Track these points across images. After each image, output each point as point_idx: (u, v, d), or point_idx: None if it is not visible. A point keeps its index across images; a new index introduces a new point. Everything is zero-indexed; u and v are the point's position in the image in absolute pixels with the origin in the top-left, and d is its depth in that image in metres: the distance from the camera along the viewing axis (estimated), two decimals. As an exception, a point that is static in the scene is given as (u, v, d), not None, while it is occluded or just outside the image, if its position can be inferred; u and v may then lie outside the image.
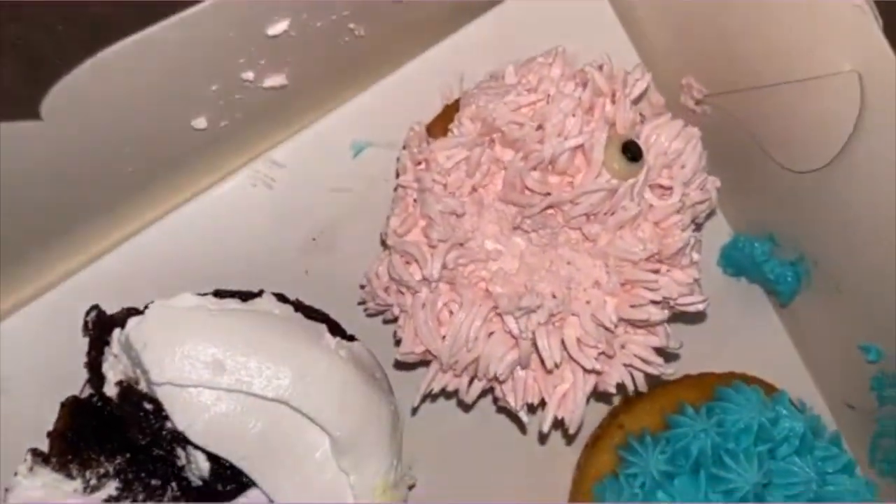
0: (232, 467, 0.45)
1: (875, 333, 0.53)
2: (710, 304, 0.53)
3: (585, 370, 0.46)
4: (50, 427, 0.47)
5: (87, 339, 0.47)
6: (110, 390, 0.44)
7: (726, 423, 0.51)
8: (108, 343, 0.45)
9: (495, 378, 0.46)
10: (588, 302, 0.46)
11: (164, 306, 0.43)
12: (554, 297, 0.45)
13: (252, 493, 0.45)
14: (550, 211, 0.45)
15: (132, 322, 0.44)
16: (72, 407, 0.47)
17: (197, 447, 0.44)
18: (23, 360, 0.49)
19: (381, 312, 0.50)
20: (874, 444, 0.58)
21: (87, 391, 0.48)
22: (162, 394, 0.42)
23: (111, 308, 0.47)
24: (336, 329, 0.49)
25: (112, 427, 0.46)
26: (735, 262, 0.59)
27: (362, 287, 0.50)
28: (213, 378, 0.42)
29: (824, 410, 0.59)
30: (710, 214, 0.51)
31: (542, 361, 0.46)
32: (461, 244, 0.45)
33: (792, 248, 0.56)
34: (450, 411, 0.52)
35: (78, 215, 0.46)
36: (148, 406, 0.43)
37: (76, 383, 0.48)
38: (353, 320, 0.50)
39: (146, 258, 0.50)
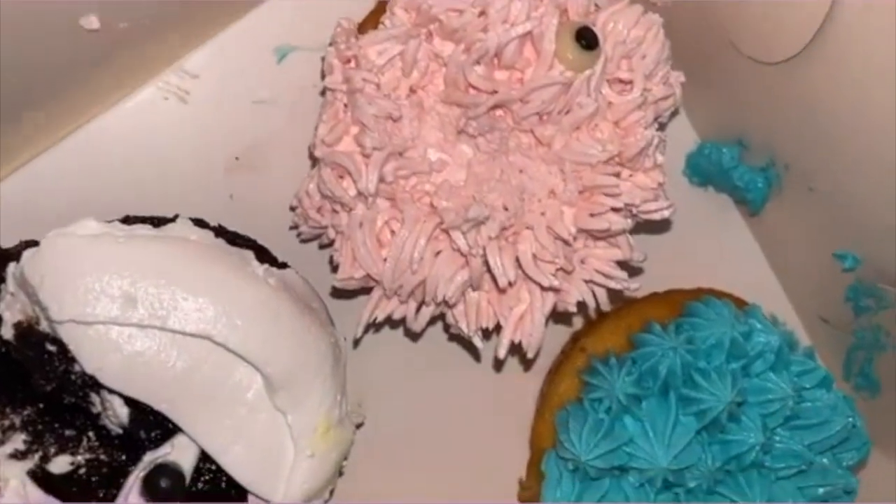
0: (154, 413, 0.40)
1: (851, 239, 0.50)
2: (675, 213, 0.50)
3: (543, 288, 0.42)
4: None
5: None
6: (7, 332, 0.39)
7: (696, 339, 0.48)
8: (2, 280, 0.40)
9: (445, 302, 0.42)
10: (543, 213, 0.41)
11: (62, 234, 0.38)
12: (506, 209, 0.41)
13: (179, 440, 0.40)
14: (499, 112, 0.40)
15: (27, 254, 0.38)
16: (-29, 354, 0.42)
17: (112, 391, 0.39)
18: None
19: (317, 237, 0.45)
20: (849, 358, 0.55)
21: (-11, 337, 0.42)
22: (65, 333, 0.37)
23: (8, 242, 0.41)
24: (264, 255, 0.44)
25: (17, 375, 0.41)
26: (702, 170, 0.55)
27: (293, 209, 0.45)
28: (123, 313, 0.37)
29: (798, 326, 0.57)
30: (674, 114, 0.47)
31: (496, 281, 0.41)
32: (400, 153, 0.40)
33: (762, 151, 0.52)
34: (397, 342, 0.48)
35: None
36: (51, 348, 0.38)
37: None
38: (286, 247, 0.45)
39: (46, 185, 0.45)
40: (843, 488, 0.50)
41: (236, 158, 0.47)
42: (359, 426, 0.46)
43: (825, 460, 0.50)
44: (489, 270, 0.41)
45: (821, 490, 0.50)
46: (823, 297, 0.55)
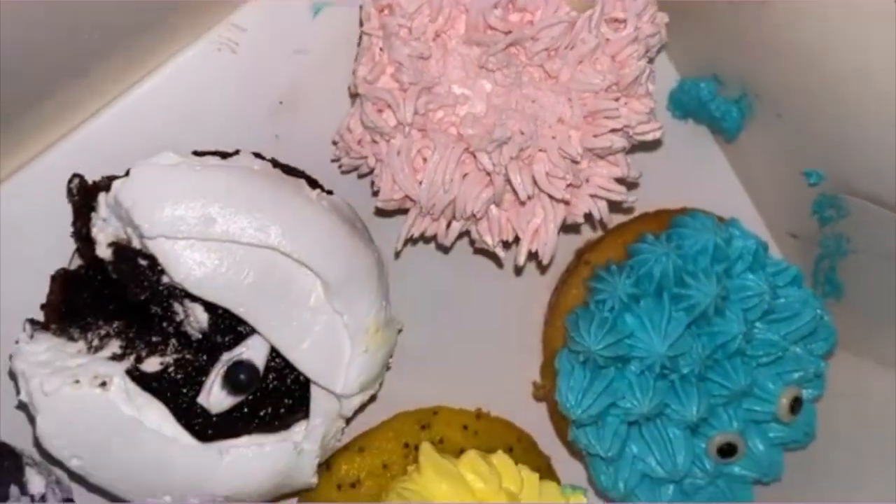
0: (230, 318, 0.46)
1: (815, 157, 0.57)
2: (661, 145, 0.57)
3: (556, 200, 0.49)
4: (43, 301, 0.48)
5: (70, 215, 0.48)
6: (103, 252, 0.45)
7: (685, 245, 0.55)
8: (93, 209, 0.46)
9: (472, 216, 0.49)
10: (554, 137, 0.48)
11: (148, 164, 0.44)
12: (522, 133, 0.47)
13: (251, 342, 0.47)
14: (513, 49, 0.47)
15: (118, 182, 0.44)
16: (63, 279, 0.48)
17: (195, 299, 0.46)
18: (7, 237, 0.49)
19: (356, 168, 0.52)
20: (817, 268, 0.62)
21: (76, 263, 0.49)
22: (155, 248, 0.44)
23: (90, 178, 0.48)
24: (313, 184, 0.50)
25: (105, 295, 0.47)
26: (683, 104, 0.62)
27: (335, 143, 0.51)
28: (205, 230, 0.44)
29: (770, 242, 0.64)
30: (660, 50, 0.53)
31: (516, 195, 0.48)
32: (429, 89, 0.47)
33: (735, 84, 0.59)
34: (430, 256, 0.55)
35: (46, 89, 0.46)
36: (143, 262, 0.45)
37: (64, 257, 0.49)
38: (327, 179, 0.52)
39: (119, 129, 0.50)
40: (814, 373, 0.58)
41: (280, 102, 0.53)
42: (398, 332, 0.53)
43: (798, 350, 0.58)
44: (510, 186, 0.48)
45: (795, 375, 0.57)
46: (792, 214, 0.62)
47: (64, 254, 0.49)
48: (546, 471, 0.57)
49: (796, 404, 0.57)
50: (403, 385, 0.56)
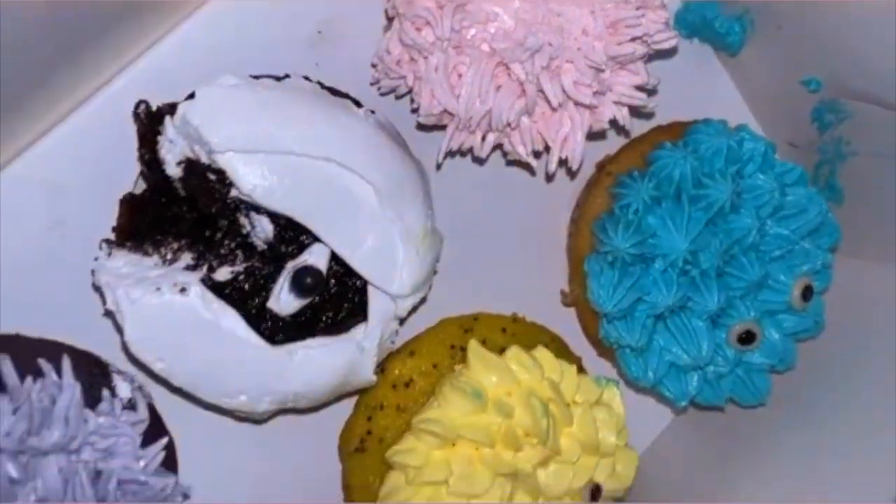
0: (293, 228, 0.50)
1: (814, 65, 0.61)
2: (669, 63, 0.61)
3: (583, 107, 0.53)
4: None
5: (134, 142, 0.51)
6: (172, 171, 0.49)
7: (700, 149, 0.59)
8: (159, 133, 0.49)
9: (507, 126, 0.53)
10: (579, 48, 0.52)
11: (211, 85, 0.47)
12: (550, 45, 0.51)
13: (314, 249, 0.51)
14: (539, -34, 0.51)
15: (185, 104, 0.48)
16: (130, 202, 0.51)
17: (260, 211, 0.49)
18: (76, 166, 0.53)
19: (394, 89, 0.55)
20: (817, 174, 0.66)
21: (141, 187, 0.52)
22: (224, 162, 0.47)
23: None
24: (357, 104, 0.54)
25: (170, 215, 0.51)
26: (688, 23, 0.66)
27: (374, 66, 0.55)
28: (269, 144, 0.47)
29: (771, 153, 0.68)
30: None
31: (548, 103, 0.52)
32: (463, 6, 0.51)
33: (737, 2, 0.63)
34: (467, 167, 0.59)
35: (104, 24, 0.49)
36: (212, 177, 0.48)
37: (131, 183, 0.52)
38: (368, 100, 0.55)
39: (175, 60, 0.54)
40: (822, 264, 0.63)
41: (319, 32, 0.56)
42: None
43: (806, 244, 0.62)
44: (542, 96, 0.52)
45: (805, 267, 0.62)
46: (792, 123, 0.66)
47: (128, 181, 0.52)
48: (578, 370, 0.62)
49: (807, 292, 0.61)
50: (445, 295, 0.60)
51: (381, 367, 0.58)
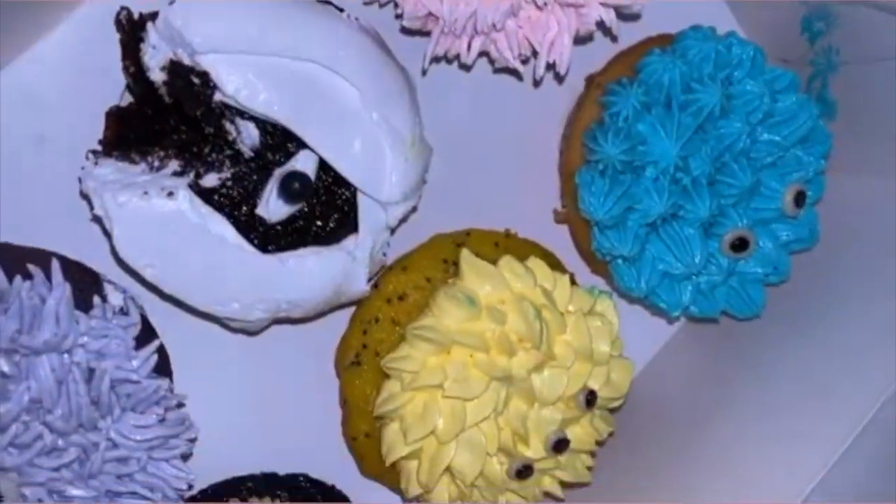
0: (279, 135, 0.50)
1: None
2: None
3: (569, 7, 0.53)
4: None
5: (117, 54, 0.51)
6: (156, 76, 0.48)
7: (689, 54, 0.58)
8: (142, 40, 0.49)
9: (493, 28, 0.52)
10: (563, -54, 0.52)
11: (192, -14, 0.47)
12: (534, -57, 0.51)
13: (301, 155, 0.50)
14: None
15: (165, 8, 0.47)
16: (116, 115, 0.51)
17: (246, 117, 0.49)
18: (60, 79, 0.52)
19: (378, -5, 0.55)
20: (809, 88, 0.65)
21: (127, 99, 0.52)
22: (207, 63, 0.47)
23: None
24: (341, 10, 0.53)
25: (157, 127, 0.51)
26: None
27: (357, -27, 0.54)
28: (253, 45, 0.47)
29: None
30: None
31: (534, 3, 0.52)
32: None
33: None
34: (453, 76, 0.58)
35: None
36: (196, 80, 0.48)
37: (116, 96, 0.52)
38: (351, 8, 0.55)
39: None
40: (815, 171, 0.62)
41: (301, -59, 0.56)
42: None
43: (798, 152, 0.62)
44: (526, -3, 0.52)
45: (796, 175, 0.62)
46: (783, 38, 0.66)
47: (114, 95, 0.52)
48: (571, 283, 0.62)
49: (800, 198, 0.61)
50: (436, 211, 0.60)
51: (375, 283, 0.58)
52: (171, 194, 0.48)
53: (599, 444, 0.60)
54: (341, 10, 0.53)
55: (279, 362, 0.58)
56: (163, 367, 0.50)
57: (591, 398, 0.57)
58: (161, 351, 0.50)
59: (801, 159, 0.62)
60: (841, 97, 0.65)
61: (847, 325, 0.60)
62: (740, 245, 0.60)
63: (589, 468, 0.60)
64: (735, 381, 0.63)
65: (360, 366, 0.57)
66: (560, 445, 0.56)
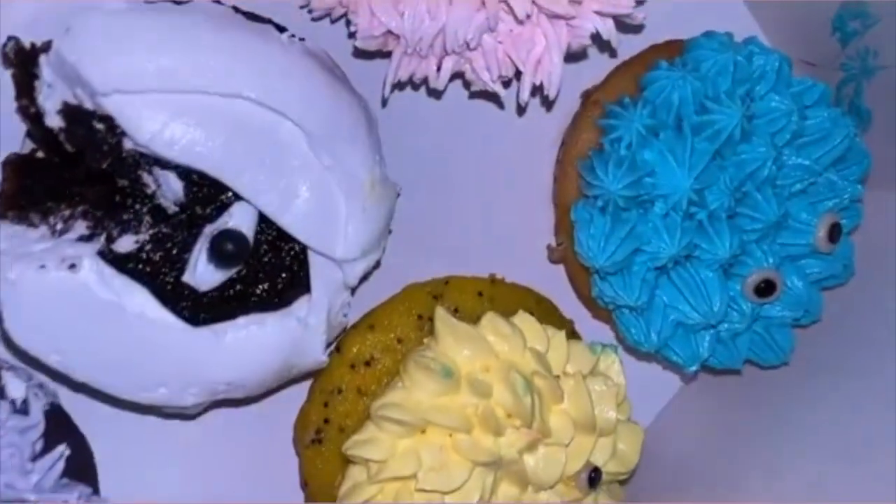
0: (209, 185, 0.42)
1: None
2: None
3: (557, 19, 0.44)
4: (-3, 192, 0.43)
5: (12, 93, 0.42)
6: (53, 121, 0.40)
7: (702, 68, 0.50)
8: (37, 77, 0.40)
9: (465, 46, 0.44)
10: (548, -55, 0.43)
11: (91, 11, 0.38)
12: (511, -58, 0.42)
13: (236, 209, 0.42)
14: None
15: (59, 38, 0.39)
16: (16, 164, 0.42)
17: (165, 167, 0.41)
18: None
19: (329, 10, 0.46)
20: (839, 96, 0.57)
21: (29, 146, 0.43)
22: (111, 106, 0.38)
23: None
24: (281, 29, 0.45)
25: (65, 177, 0.42)
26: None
27: (302, -16, 0.46)
28: (165, 81, 0.39)
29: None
30: None
31: (514, 15, 0.43)
32: None
33: None
34: (421, 104, 0.50)
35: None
36: (99, 126, 0.39)
37: (14, 143, 0.44)
38: (299, 28, 0.46)
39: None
40: (850, 198, 0.54)
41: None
42: (397, 195, 0.48)
43: (832, 175, 0.54)
44: (506, 6, 0.43)
45: (830, 202, 0.53)
46: (809, 37, 0.57)
47: (13, 140, 0.44)
48: (570, 335, 0.54)
49: (834, 232, 0.52)
50: (408, 258, 0.52)
51: (337, 346, 0.50)
52: (73, 266, 0.39)
53: (606, 523, 0.52)
54: (283, 29, 0.44)
55: (227, 443, 0.50)
56: (81, 470, 0.42)
57: (594, 476, 0.49)
58: (80, 448, 0.42)
59: (836, 184, 0.54)
60: (876, 105, 0.56)
61: (886, 377, 0.52)
62: (766, 289, 0.52)
63: (595, 549, 0.52)
64: (756, 440, 0.56)
65: (322, 444, 0.50)
66: (559, 534, 0.48)
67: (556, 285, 0.55)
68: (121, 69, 0.38)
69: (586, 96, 0.56)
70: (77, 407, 0.45)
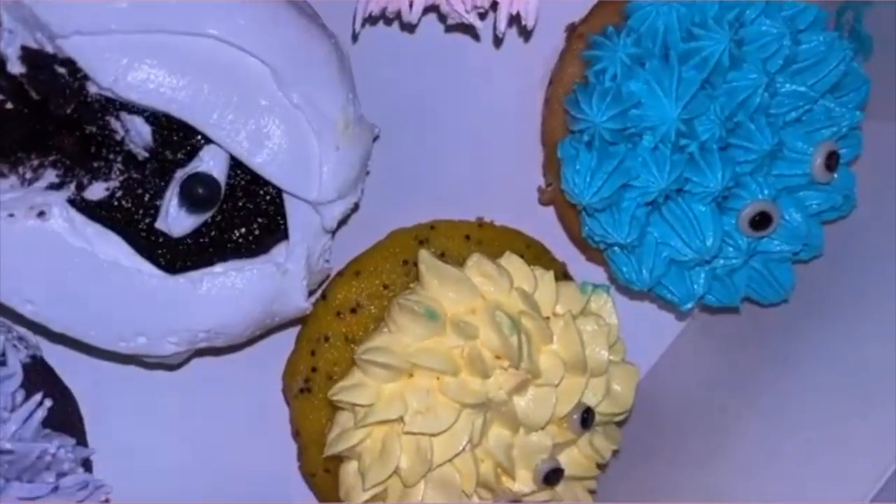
0: (178, 129, 0.41)
1: None
2: None
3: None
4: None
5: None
6: (15, 68, 0.39)
7: (689, -8, 0.48)
8: (-3, 24, 0.40)
9: (437, -23, 0.42)
10: None
11: (45, -50, 0.38)
12: None
13: (206, 153, 0.41)
14: None
15: (14, -21, 0.38)
16: (-18, 116, 0.42)
17: (132, 111, 0.40)
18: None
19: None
20: (839, 23, 0.55)
21: (-4, 97, 0.43)
22: (71, 49, 0.38)
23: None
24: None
25: (33, 128, 0.42)
26: None
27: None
28: (126, 20, 0.38)
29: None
30: None
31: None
32: None
33: None
34: (396, 40, 0.48)
35: None
36: (61, 70, 0.39)
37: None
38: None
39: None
40: (849, 126, 0.52)
41: None
42: (374, 139, 0.47)
43: (828, 102, 0.52)
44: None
45: (828, 131, 0.52)
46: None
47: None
48: (561, 277, 0.52)
49: (832, 160, 0.51)
50: (393, 204, 0.51)
51: (323, 293, 0.49)
52: (41, 213, 0.39)
53: (602, 466, 0.51)
54: (250, -34, 0.43)
55: (218, 397, 0.50)
56: (66, 422, 0.41)
57: (587, 417, 0.48)
58: (65, 401, 0.41)
59: (833, 112, 0.52)
60: (878, 30, 0.54)
61: (891, 311, 0.50)
62: (762, 221, 0.50)
63: (591, 491, 0.51)
64: (757, 381, 0.54)
65: (311, 392, 0.49)
66: (552, 476, 0.47)
67: (548, 228, 0.54)
68: (79, 10, 0.37)
69: (571, 30, 0.54)
70: (62, 361, 0.45)
